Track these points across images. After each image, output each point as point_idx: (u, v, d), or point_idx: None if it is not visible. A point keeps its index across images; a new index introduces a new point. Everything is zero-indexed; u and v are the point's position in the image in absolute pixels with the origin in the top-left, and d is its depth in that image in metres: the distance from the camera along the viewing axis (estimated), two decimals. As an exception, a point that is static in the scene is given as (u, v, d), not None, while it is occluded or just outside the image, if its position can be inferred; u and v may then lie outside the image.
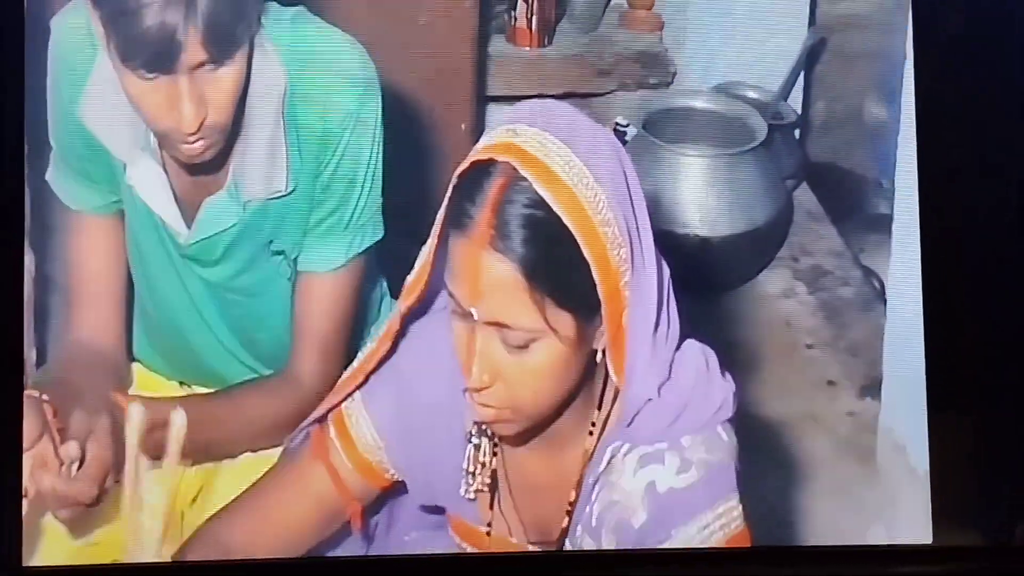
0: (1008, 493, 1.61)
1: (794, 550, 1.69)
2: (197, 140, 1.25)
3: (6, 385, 1.38)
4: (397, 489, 1.31)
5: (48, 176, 1.37)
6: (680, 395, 1.16)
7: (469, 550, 1.26)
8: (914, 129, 1.59)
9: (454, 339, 1.15)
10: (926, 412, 1.59)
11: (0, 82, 1.38)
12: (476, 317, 1.10)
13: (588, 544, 1.17)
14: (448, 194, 1.10)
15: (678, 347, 1.16)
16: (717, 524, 1.16)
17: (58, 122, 1.35)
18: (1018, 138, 1.61)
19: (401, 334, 1.24)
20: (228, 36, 1.23)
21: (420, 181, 1.53)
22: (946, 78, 1.62)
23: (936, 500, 1.59)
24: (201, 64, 1.23)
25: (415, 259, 1.18)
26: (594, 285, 1.08)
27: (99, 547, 1.37)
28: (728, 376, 1.19)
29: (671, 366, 1.16)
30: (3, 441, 1.37)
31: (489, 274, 1.07)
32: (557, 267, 1.07)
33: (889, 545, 1.67)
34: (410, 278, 1.18)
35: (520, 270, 1.06)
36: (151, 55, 1.21)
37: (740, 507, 1.17)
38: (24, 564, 1.41)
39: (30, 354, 1.55)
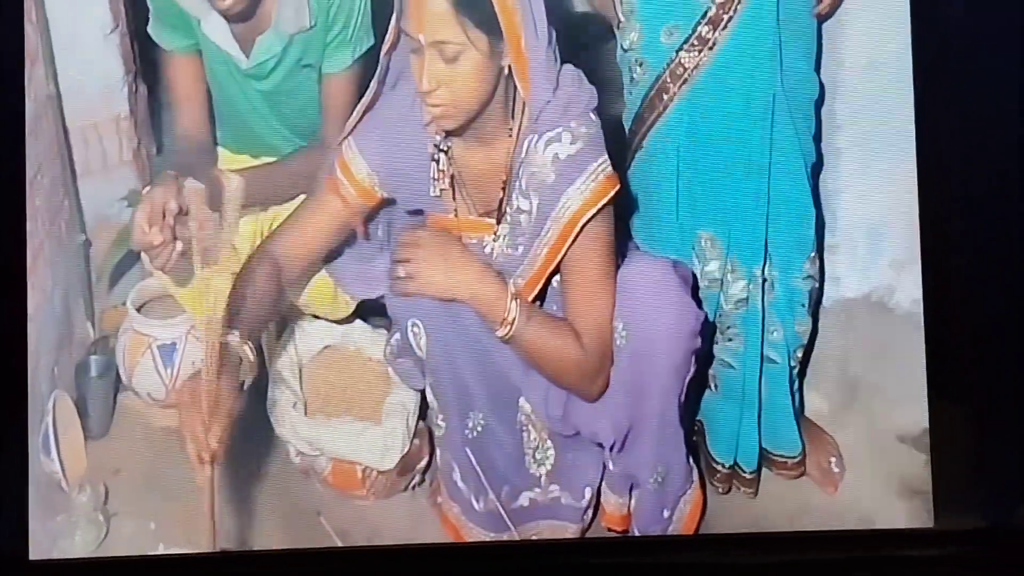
0: (1008, 477, 1.69)
1: (798, 535, 1.77)
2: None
3: (7, 396, 1.79)
4: (387, 204, 1.84)
5: (149, 29, 1.97)
6: (566, 94, 1.68)
7: (443, 232, 1.78)
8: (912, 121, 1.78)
9: (412, 70, 1.65)
10: (927, 397, 1.72)
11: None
12: (423, 41, 1.61)
13: (522, 204, 1.72)
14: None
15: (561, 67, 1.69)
16: (598, 171, 1.67)
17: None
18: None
19: (385, 72, 1.76)
20: None
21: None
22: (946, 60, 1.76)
23: (937, 484, 1.69)
24: None
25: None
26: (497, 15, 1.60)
27: (202, 287, 1.85)
28: (585, 82, 1.70)
29: (558, 77, 1.69)
30: (8, 441, 1.78)
31: (429, 8, 1.60)
32: (471, 2, 1.60)
33: (892, 528, 1.74)
34: (388, 35, 1.72)
35: (448, 2, 1.59)
36: None
37: (608, 159, 1.69)
38: (31, 558, 1.75)
39: (151, 149, 2.24)
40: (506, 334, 1.73)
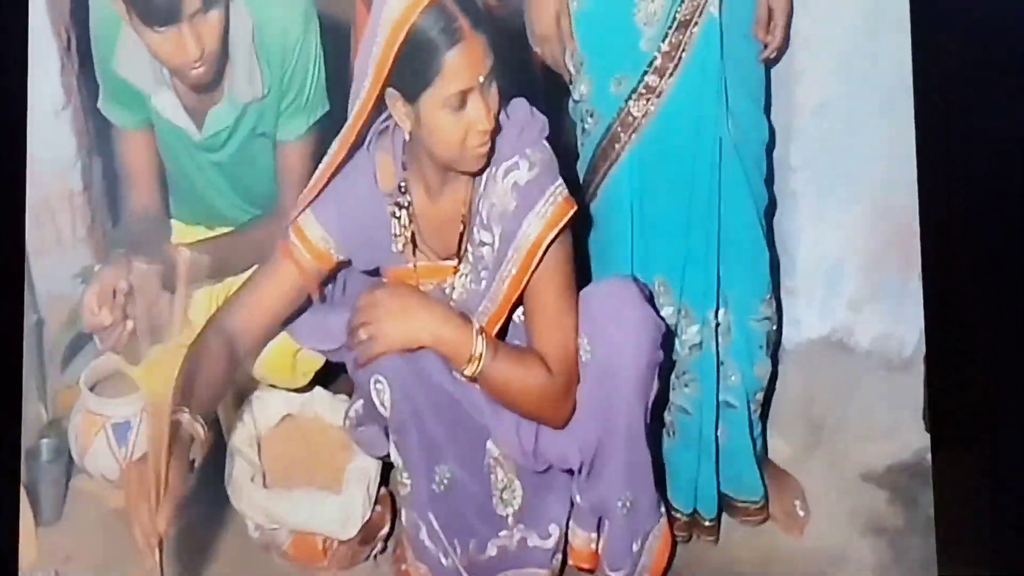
0: (1013, 525, 1.69)
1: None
2: (201, 66, 1.82)
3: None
4: (343, 266, 1.83)
5: (100, 106, 1.98)
6: (518, 122, 1.71)
7: (400, 285, 1.77)
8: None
9: (472, 114, 1.60)
10: (930, 446, 1.72)
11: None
12: (481, 80, 1.59)
13: (484, 236, 1.73)
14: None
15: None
16: (555, 193, 1.69)
17: (102, 71, 1.94)
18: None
19: (361, 141, 1.74)
20: None
21: (348, 70, 1.87)
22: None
23: (941, 533, 1.67)
24: (196, 12, 1.76)
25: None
26: None
27: (155, 364, 1.85)
28: (536, 112, 1.72)
29: (506, 110, 1.69)
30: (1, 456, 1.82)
31: (479, 44, 1.58)
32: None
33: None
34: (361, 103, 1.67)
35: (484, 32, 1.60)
36: (162, 15, 1.75)
37: (563, 182, 1.71)
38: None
39: (106, 224, 2.21)
40: (474, 371, 1.72)
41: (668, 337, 1.78)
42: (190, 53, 1.79)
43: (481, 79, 1.62)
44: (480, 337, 1.72)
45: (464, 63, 1.60)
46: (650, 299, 1.80)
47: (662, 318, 1.80)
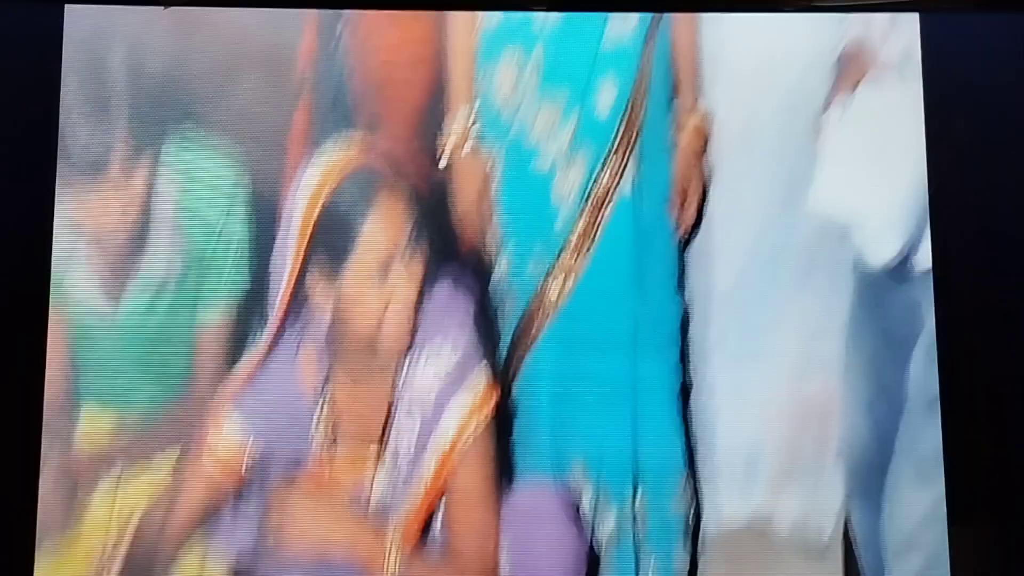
0: None
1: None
2: (121, 234, 1.84)
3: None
4: (262, 463, 1.78)
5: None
6: (441, 307, 1.72)
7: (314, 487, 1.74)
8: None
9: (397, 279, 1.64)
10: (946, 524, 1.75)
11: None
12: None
13: (406, 424, 1.70)
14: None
15: None
16: (478, 381, 1.72)
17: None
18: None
19: (279, 335, 1.76)
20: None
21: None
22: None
23: None
24: (119, 176, 1.81)
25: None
26: None
27: (53, 560, 1.82)
28: (460, 293, 1.75)
29: (430, 293, 1.73)
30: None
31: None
32: None
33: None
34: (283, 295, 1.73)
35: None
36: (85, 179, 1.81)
37: (487, 367, 1.73)
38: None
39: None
40: None
41: (592, 553, 1.77)
42: (112, 216, 1.82)
43: (401, 246, 1.63)
44: (394, 546, 1.67)
45: (382, 230, 1.62)
46: (575, 511, 1.78)
47: (592, 537, 1.78)
